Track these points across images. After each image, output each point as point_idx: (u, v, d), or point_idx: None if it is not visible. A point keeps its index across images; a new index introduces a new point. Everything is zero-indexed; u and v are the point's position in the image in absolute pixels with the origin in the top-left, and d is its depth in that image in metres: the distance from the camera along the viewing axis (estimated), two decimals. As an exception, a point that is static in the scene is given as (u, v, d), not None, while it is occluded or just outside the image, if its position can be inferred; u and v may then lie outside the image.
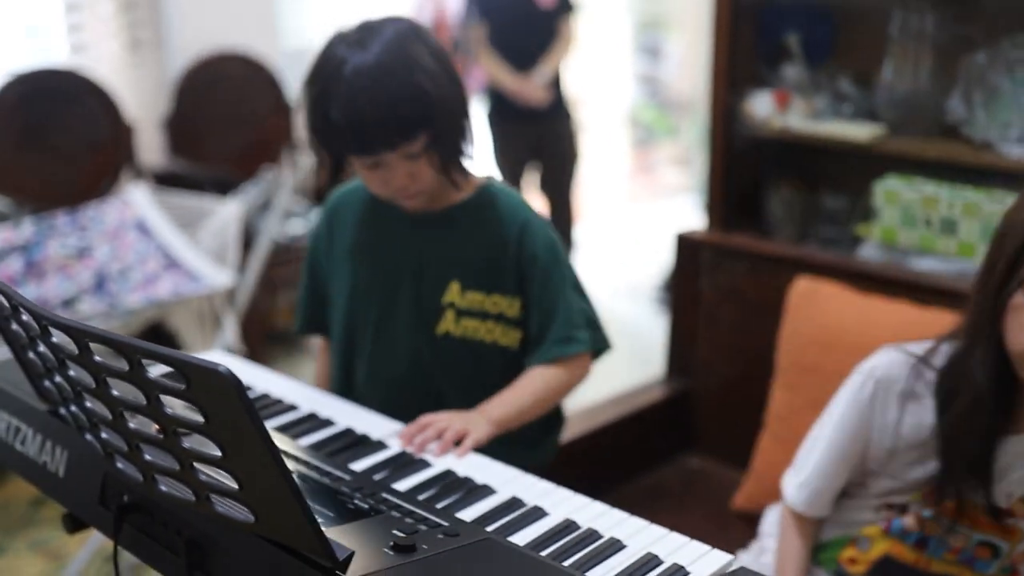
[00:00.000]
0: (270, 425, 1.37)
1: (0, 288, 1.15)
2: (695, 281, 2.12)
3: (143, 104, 4.08)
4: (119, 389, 0.99)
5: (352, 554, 0.94)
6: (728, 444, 2.11)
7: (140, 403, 0.96)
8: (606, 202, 6.60)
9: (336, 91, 1.36)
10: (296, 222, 3.93)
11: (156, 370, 0.96)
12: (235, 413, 0.87)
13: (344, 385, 1.64)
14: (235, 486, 0.94)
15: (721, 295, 2.07)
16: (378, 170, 1.42)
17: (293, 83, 4.47)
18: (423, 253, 1.53)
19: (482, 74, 4.43)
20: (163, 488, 1.04)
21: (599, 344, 1.56)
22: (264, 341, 4.32)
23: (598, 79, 6.69)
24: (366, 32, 1.40)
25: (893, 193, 1.97)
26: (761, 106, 2.10)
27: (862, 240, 2.06)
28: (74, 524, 1.33)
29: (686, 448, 2.17)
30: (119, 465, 1.09)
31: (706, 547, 1.10)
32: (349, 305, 1.59)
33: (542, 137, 4.38)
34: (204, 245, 3.06)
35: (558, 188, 4.62)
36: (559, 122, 4.46)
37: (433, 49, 1.43)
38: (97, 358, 0.98)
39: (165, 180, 3.84)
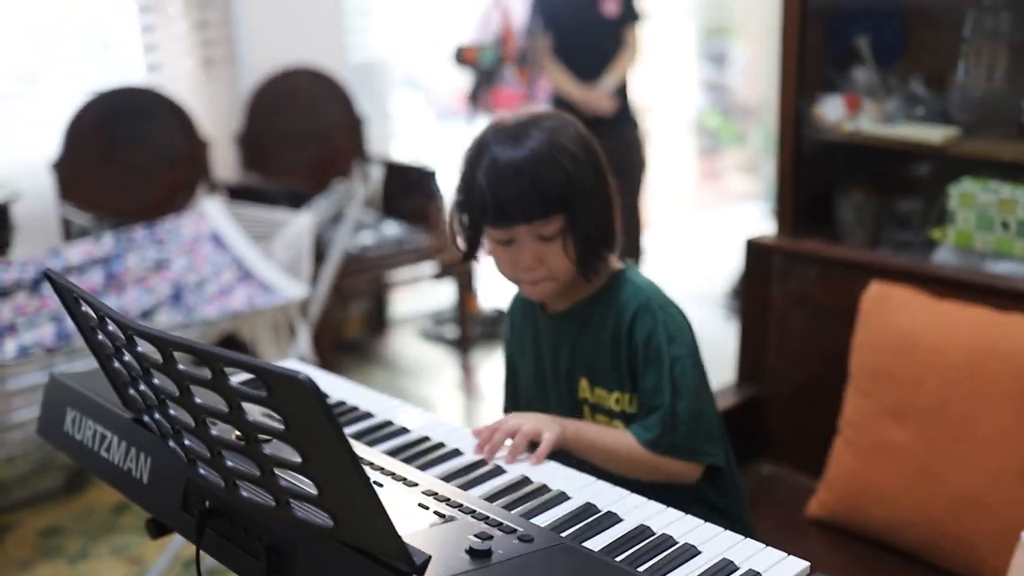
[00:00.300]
0: (347, 432, 1.39)
1: (88, 300, 1.18)
2: (766, 287, 2.10)
3: (217, 120, 4.17)
4: (201, 397, 1.02)
5: (429, 559, 0.96)
6: (801, 451, 2.08)
7: (222, 410, 0.99)
8: (674, 210, 6.57)
9: (490, 170, 1.43)
10: (366, 234, 3.97)
11: (236, 379, 0.99)
12: (315, 419, 0.89)
13: None
14: (315, 491, 0.96)
15: (792, 301, 2.06)
16: (510, 248, 1.47)
17: (362, 96, 4.53)
18: (559, 350, 1.57)
19: (547, 84, 4.45)
20: (244, 494, 1.06)
21: (697, 455, 1.49)
22: (335, 351, 4.38)
23: (664, 87, 6.67)
24: (521, 129, 1.45)
25: (968, 196, 1.93)
26: (831, 110, 2.08)
27: (936, 244, 2.02)
28: (157, 529, 1.37)
29: (758, 455, 2.16)
30: (201, 471, 1.12)
31: (781, 554, 1.10)
32: (526, 395, 1.65)
33: (609, 146, 4.36)
34: (277, 257, 3.12)
35: (625, 197, 4.62)
36: (626, 131, 4.46)
37: (584, 143, 1.47)
38: (180, 367, 1.01)
39: (239, 194, 3.91)
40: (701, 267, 5.42)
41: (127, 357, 1.14)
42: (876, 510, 1.80)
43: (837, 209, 2.18)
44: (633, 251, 4.75)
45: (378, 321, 4.70)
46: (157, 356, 1.04)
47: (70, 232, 3.61)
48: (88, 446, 1.40)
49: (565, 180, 1.43)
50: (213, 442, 1.05)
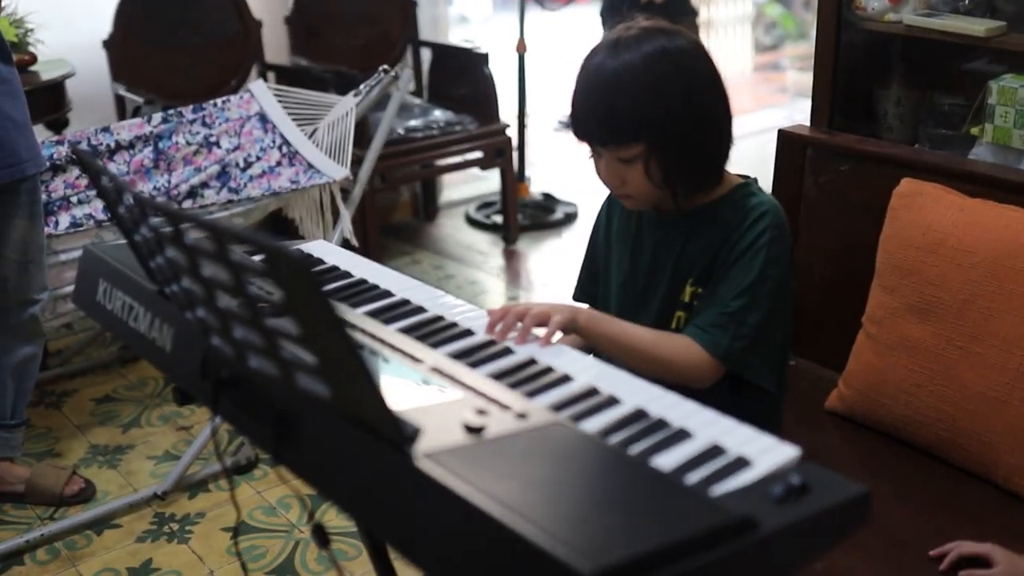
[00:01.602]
0: (363, 309, 1.43)
1: (108, 175, 1.23)
2: (798, 180, 2.08)
3: (268, 1, 4.16)
4: (210, 270, 1.05)
5: (418, 431, 0.99)
6: (826, 345, 2.09)
7: (227, 282, 1.03)
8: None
9: (579, 79, 1.45)
10: (415, 119, 3.97)
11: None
12: (307, 293, 0.92)
13: None
14: (313, 362, 1.00)
15: (823, 195, 2.04)
16: (599, 161, 1.49)
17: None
18: (664, 250, 1.56)
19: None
20: (252, 364, 1.11)
21: (732, 360, 1.47)
22: (383, 233, 4.43)
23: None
24: (621, 45, 1.42)
25: (1009, 91, 1.88)
26: (874, 1, 2.02)
27: (975, 142, 1.98)
28: (183, 396, 1.43)
29: (784, 348, 2.17)
30: (214, 342, 1.17)
31: (773, 440, 1.11)
32: (619, 291, 1.65)
33: None
34: (321, 139, 3.14)
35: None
36: (680, 19, 4.35)
37: (681, 69, 1.42)
38: (189, 239, 1.05)
39: (288, 76, 3.92)
40: (750, 161, 5.35)
41: (144, 230, 1.18)
42: (894, 405, 1.82)
43: (875, 103, 2.13)
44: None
45: (427, 206, 4.73)
46: (169, 230, 1.08)
47: (124, 111, 3.66)
48: (117, 315, 1.45)
49: (640, 108, 1.41)
50: (221, 313, 1.09)
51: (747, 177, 1.58)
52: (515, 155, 4.60)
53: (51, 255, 2.67)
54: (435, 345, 1.32)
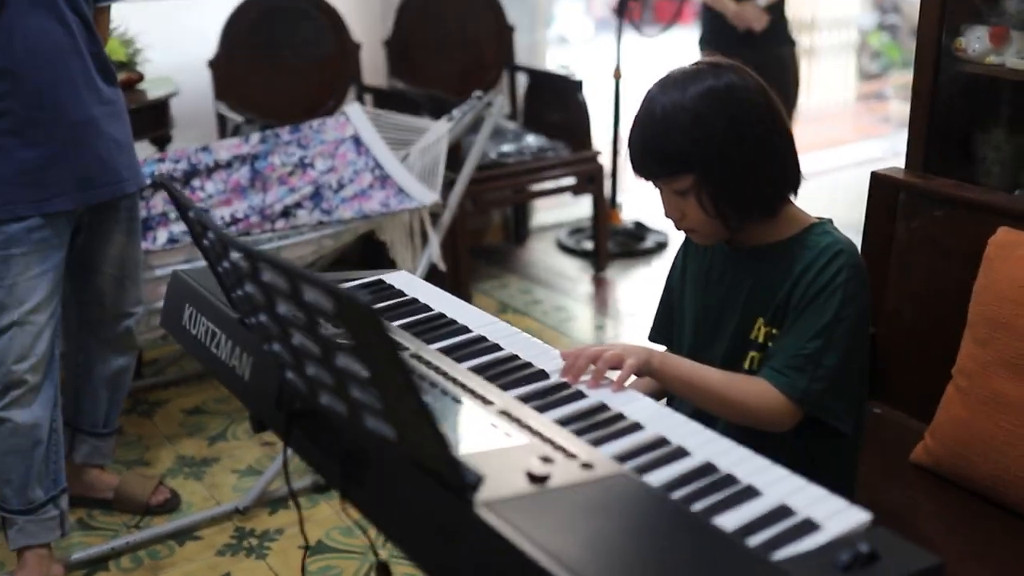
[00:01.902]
0: (438, 345, 1.44)
1: (190, 207, 1.26)
2: (889, 223, 2.03)
3: (368, 24, 4.23)
4: (284, 308, 1.07)
5: (481, 479, 0.99)
6: (913, 394, 2.03)
7: (301, 321, 1.05)
8: (828, 133, 6.34)
9: (634, 117, 1.50)
10: (506, 143, 3.99)
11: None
12: (377, 341, 0.93)
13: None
14: (380, 405, 1.01)
15: (916, 240, 1.98)
16: (660, 195, 1.53)
17: (512, 5, 4.51)
18: (737, 286, 1.56)
19: (702, -4, 4.34)
20: (324, 401, 1.12)
21: (809, 403, 1.45)
22: (473, 257, 4.46)
23: (826, 2, 6.38)
24: (674, 82, 1.47)
25: (1117, 141, 1.82)
26: (975, 41, 1.96)
27: (1079, 192, 1.91)
28: (259, 425, 1.46)
29: (870, 395, 2.11)
30: (289, 376, 1.19)
31: (844, 503, 1.09)
32: (692, 329, 1.65)
33: (760, 64, 4.23)
34: (414, 163, 3.18)
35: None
36: (779, 48, 4.31)
37: (733, 107, 1.44)
38: (265, 277, 1.07)
39: (385, 99, 3.99)
40: (850, 196, 5.24)
41: (226, 263, 1.20)
42: (982, 463, 1.76)
43: (974, 147, 2.07)
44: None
45: (518, 230, 4.75)
46: (246, 266, 1.10)
47: (225, 129, 3.76)
48: (201, 340, 1.49)
49: (685, 141, 1.44)
50: (295, 350, 1.11)
51: (822, 218, 1.56)
52: (608, 182, 4.59)
53: (147, 270, 2.75)
54: (506, 386, 1.32)
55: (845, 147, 6.22)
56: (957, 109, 2.03)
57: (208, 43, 3.82)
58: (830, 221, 1.57)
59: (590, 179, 4.18)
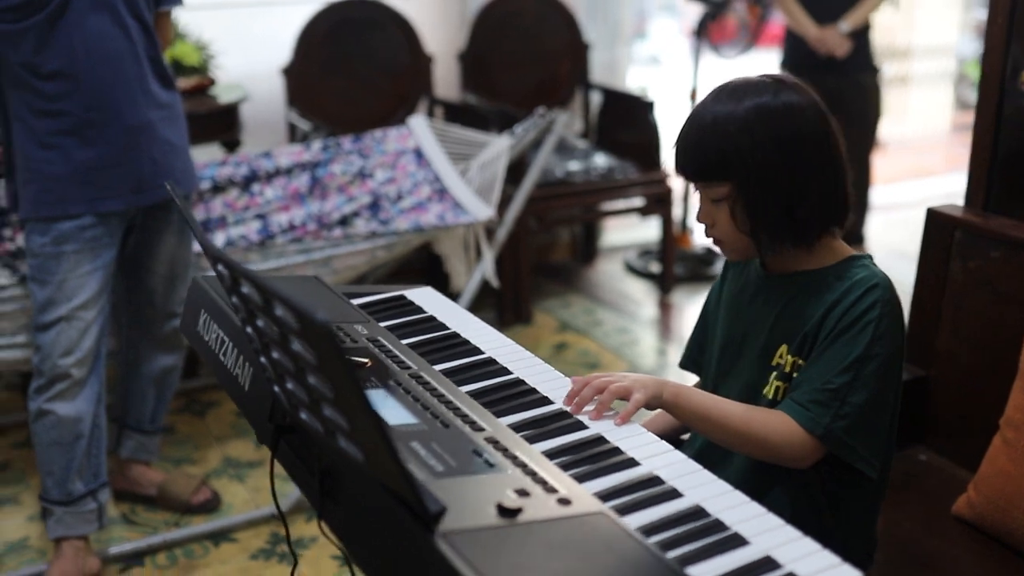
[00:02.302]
0: (442, 366, 1.41)
1: (188, 219, 1.26)
2: (944, 262, 1.94)
3: (442, 37, 4.24)
4: (262, 322, 1.06)
5: (444, 509, 0.96)
6: (962, 442, 1.94)
7: (274, 337, 1.03)
8: (919, 163, 6.16)
9: (688, 116, 1.47)
10: (573, 162, 3.96)
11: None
12: (333, 360, 0.91)
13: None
14: (346, 426, 0.98)
15: (972, 281, 1.89)
16: (699, 198, 1.48)
17: (588, 22, 4.48)
18: (765, 311, 1.51)
19: (782, 20, 4.25)
20: (303, 417, 1.10)
21: (831, 441, 1.38)
22: (539, 274, 4.43)
23: (924, 30, 6.20)
24: (729, 91, 1.43)
25: None
26: (1043, 76, 1.87)
27: None
28: (259, 436, 1.45)
29: (916, 440, 2.02)
30: (275, 389, 1.17)
31: (836, 560, 1.02)
32: (719, 353, 1.60)
33: (842, 91, 4.14)
34: (473, 177, 3.17)
35: (853, 148, 4.33)
36: (861, 75, 4.20)
37: (786, 128, 1.39)
38: (244, 289, 1.05)
39: (456, 112, 3.99)
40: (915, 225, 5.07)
41: (220, 269, 1.19)
42: (1025, 520, 1.66)
43: (1037, 187, 1.97)
44: (860, 208, 4.50)
45: (586, 249, 4.70)
46: (229, 277, 1.09)
47: (295, 136, 3.80)
48: (211, 347, 1.49)
49: (729, 148, 1.39)
50: (275, 365, 1.09)
51: (862, 253, 1.49)
52: (679, 205, 4.52)
53: (199, 272, 2.78)
54: (502, 412, 1.29)
55: (934, 178, 6.03)
56: (1020, 146, 1.93)
57: (282, 51, 3.86)
58: (870, 257, 1.49)
59: (658, 200, 4.12)
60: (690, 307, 4.21)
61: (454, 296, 3.24)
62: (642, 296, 4.32)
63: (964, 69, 6.67)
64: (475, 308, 3.93)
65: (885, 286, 1.42)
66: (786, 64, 4.30)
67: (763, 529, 1.07)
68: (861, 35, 4.14)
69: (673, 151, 1.48)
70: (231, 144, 3.51)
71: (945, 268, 1.95)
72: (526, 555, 0.94)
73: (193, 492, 2.73)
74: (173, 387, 2.75)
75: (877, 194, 4.80)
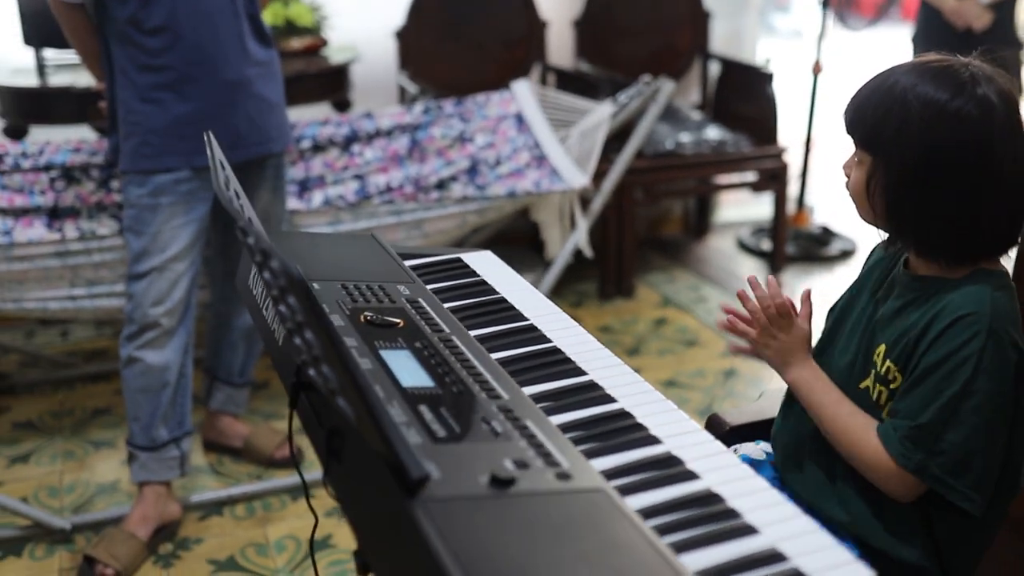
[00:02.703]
0: (479, 332, 1.38)
1: (225, 170, 1.25)
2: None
3: (558, 3, 4.17)
4: (267, 274, 1.04)
5: (427, 476, 0.93)
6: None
7: (275, 291, 1.01)
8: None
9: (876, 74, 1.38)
10: (685, 134, 3.85)
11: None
12: (311, 315, 0.88)
13: None
14: (337, 384, 0.96)
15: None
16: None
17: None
18: (886, 306, 1.41)
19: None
20: (311, 373, 1.09)
21: (928, 477, 1.29)
22: (648, 247, 4.34)
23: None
24: (933, 74, 1.30)
25: None
26: None
27: None
28: (288, 391, 1.45)
29: None
30: (295, 342, 1.16)
31: (849, 556, 0.96)
32: (844, 342, 1.50)
33: None
34: (572, 145, 3.11)
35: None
36: (1001, 49, 3.94)
37: (950, 136, 1.27)
38: (251, 240, 1.04)
39: (569, 81, 3.93)
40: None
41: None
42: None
43: None
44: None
45: (699, 224, 4.59)
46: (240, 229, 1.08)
47: (405, 100, 3.81)
48: (256, 301, 1.49)
49: (881, 126, 1.31)
50: (283, 318, 1.08)
51: (998, 266, 1.36)
52: (796, 182, 4.36)
53: (295, 229, 2.81)
54: (528, 382, 1.25)
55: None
56: None
57: (397, 13, 3.87)
58: (1004, 273, 1.36)
59: (772, 176, 3.98)
60: (800, 288, 4.05)
61: (549, 264, 3.21)
62: (751, 274, 4.18)
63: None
64: (576, 279, 3.89)
65: (984, 313, 1.28)
66: (919, 37, 4.08)
67: (778, 519, 1.01)
68: (1003, 6, 3.89)
69: (847, 104, 1.40)
70: (341, 104, 3.54)
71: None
72: (504, 529, 0.90)
73: (277, 447, 2.78)
74: (262, 342, 2.80)
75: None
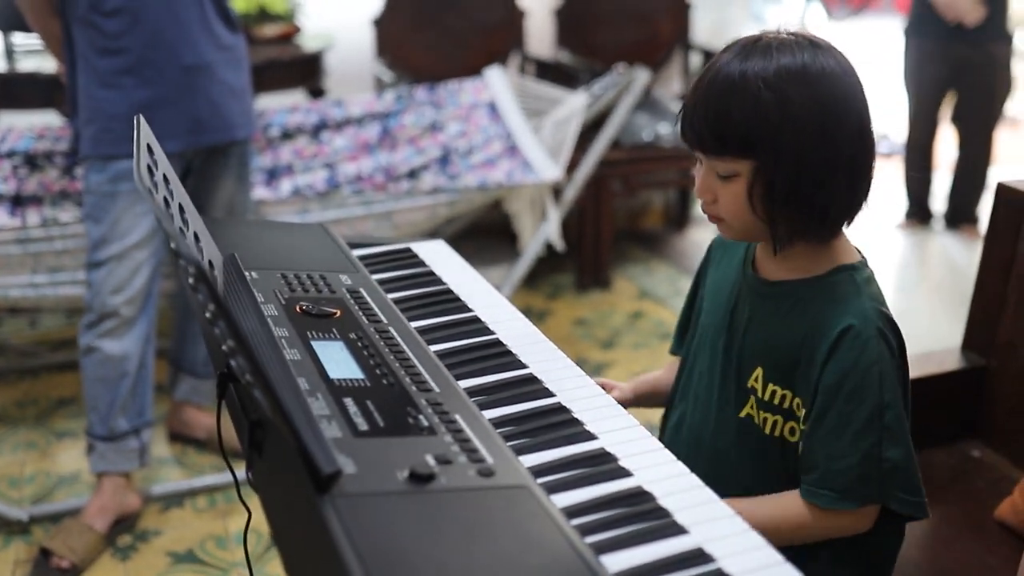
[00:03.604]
0: (420, 323, 1.34)
1: (150, 147, 1.22)
2: (1012, 243, 1.77)
3: (539, -9, 4.14)
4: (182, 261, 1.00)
5: (338, 472, 0.90)
6: (1020, 440, 1.78)
7: (192, 277, 0.97)
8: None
9: (700, 77, 1.25)
10: (664, 124, 3.81)
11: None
12: (217, 302, 0.85)
13: (663, 419, 1.52)
14: (250, 376, 0.93)
15: (1040, 265, 1.72)
16: (699, 167, 1.28)
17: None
18: (746, 320, 1.33)
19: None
20: (232, 363, 1.05)
21: (883, 497, 1.23)
22: (627, 240, 4.31)
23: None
24: (769, 46, 1.21)
25: None
26: None
27: None
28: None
29: (968, 433, 1.86)
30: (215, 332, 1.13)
31: (778, 558, 0.92)
32: (694, 355, 1.44)
33: (968, 60, 3.89)
34: (545, 135, 3.07)
35: (976, 122, 4.09)
36: (993, 45, 3.92)
37: (819, 98, 1.19)
38: (164, 224, 1.00)
39: (547, 70, 3.89)
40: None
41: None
42: (1071, 531, 1.50)
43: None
44: (976, 187, 4.24)
45: (679, 216, 4.56)
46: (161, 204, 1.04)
47: (382, 88, 3.77)
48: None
49: (758, 120, 1.18)
50: (201, 306, 1.04)
51: (858, 258, 1.30)
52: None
53: (261, 218, 2.77)
54: (465, 375, 1.21)
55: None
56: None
57: (374, 2, 3.83)
58: (863, 263, 1.29)
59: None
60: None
61: (521, 255, 3.17)
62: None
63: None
64: (553, 270, 3.85)
65: (870, 319, 1.22)
66: (911, 29, 4.06)
67: (710, 518, 0.98)
68: (997, 0, 3.87)
69: (682, 115, 1.26)
70: (316, 92, 3.50)
71: (1013, 250, 1.78)
72: (417, 527, 0.87)
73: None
74: (228, 332, 2.76)
75: (1001, 175, 4.50)
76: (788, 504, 1.26)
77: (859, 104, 1.23)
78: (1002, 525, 1.65)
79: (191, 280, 0.95)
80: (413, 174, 2.98)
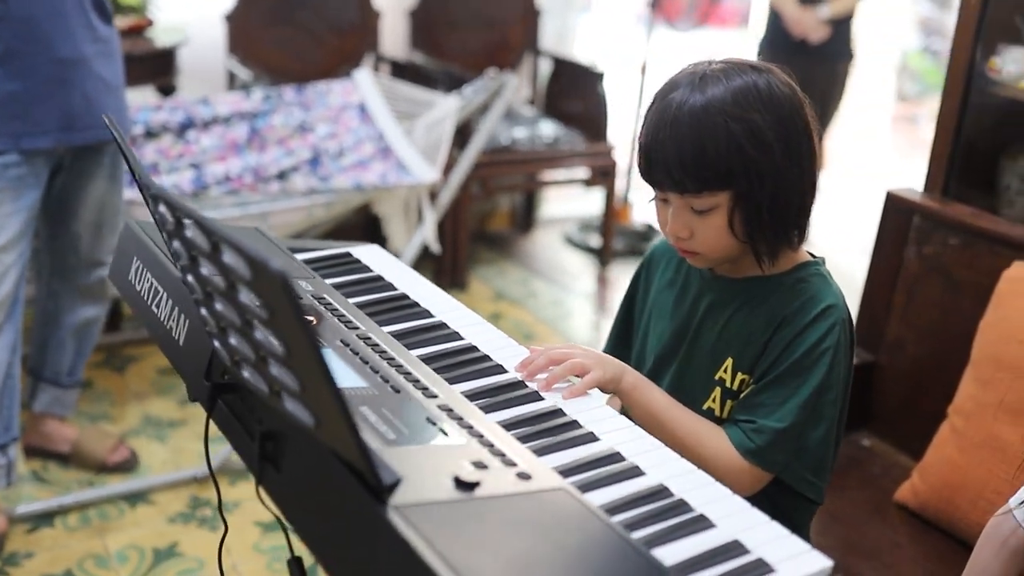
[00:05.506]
0: (391, 328, 1.34)
1: (129, 157, 1.16)
2: (899, 247, 1.92)
3: (393, -8, 4.12)
4: (207, 269, 0.97)
5: (399, 480, 0.89)
6: (907, 430, 1.92)
7: (220, 286, 0.94)
8: (860, 152, 6.20)
9: (657, 115, 1.26)
10: (520, 128, 3.88)
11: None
12: (287, 314, 0.83)
13: None
14: (296, 386, 0.90)
15: (926, 267, 1.87)
16: (665, 206, 1.31)
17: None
18: (712, 319, 1.38)
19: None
20: (246, 375, 1.02)
21: (788, 476, 1.30)
22: (476, 242, 4.35)
23: (872, 20, 6.24)
24: (718, 75, 1.25)
25: None
26: (1011, 63, 1.84)
27: (1107, 231, 1.79)
28: (193, 394, 1.36)
29: (860, 425, 2.00)
30: (216, 344, 1.09)
31: (805, 545, 0.98)
32: (656, 359, 1.46)
33: (813, 74, 4.14)
34: (418, 138, 3.07)
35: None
36: (835, 63, 4.22)
37: (781, 112, 1.24)
38: (188, 233, 0.97)
39: (402, 71, 3.88)
40: (863, 215, 5.11)
41: (160, 209, 1.10)
42: (971, 510, 1.64)
43: (999, 175, 1.95)
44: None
45: (525, 219, 4.64)
46: (172, 220, 1.00)
47: (233, 85, 3.66)
48: (144, 297, 1.39)
49: (733, 152, 1.22)
50: (218, 316, 1.01)
51: (814, 256, 1.39)
52: (622, 178, 4.47)
53: (130, 220, 2.65)
54: (455, 380, 1.22)
55: (879, 164, 6.09)
56: (984, 133, 1.91)
57: (224, -4, 3.72)
58: (823, 261, 1.38)
59: (603, 173, 4.07)
60: (627, 283, 4.17)
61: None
62: (579, 269, 4.27)
63: (907, 61, 6.72)
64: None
65: (840, 305, 1.32)
66: (764, 43, 4.29)
67: (729, 511, 1.02)
68: (842, 22, 4.15)
69: (648, 159, 1.27)
70: (166, 89, 3.37)
71: (900, 253, 1.93)
72: (485, 531, 0.87)
73: (110, 450, 2.61)
74: (94, 340, 2.62)
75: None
76: (712, 429, 1.32)
77: (805, 112, 1.31)
78: (902, 507, 1.79)
79: (227, 284, 0.92)
80: (283, 175, 2.92)
